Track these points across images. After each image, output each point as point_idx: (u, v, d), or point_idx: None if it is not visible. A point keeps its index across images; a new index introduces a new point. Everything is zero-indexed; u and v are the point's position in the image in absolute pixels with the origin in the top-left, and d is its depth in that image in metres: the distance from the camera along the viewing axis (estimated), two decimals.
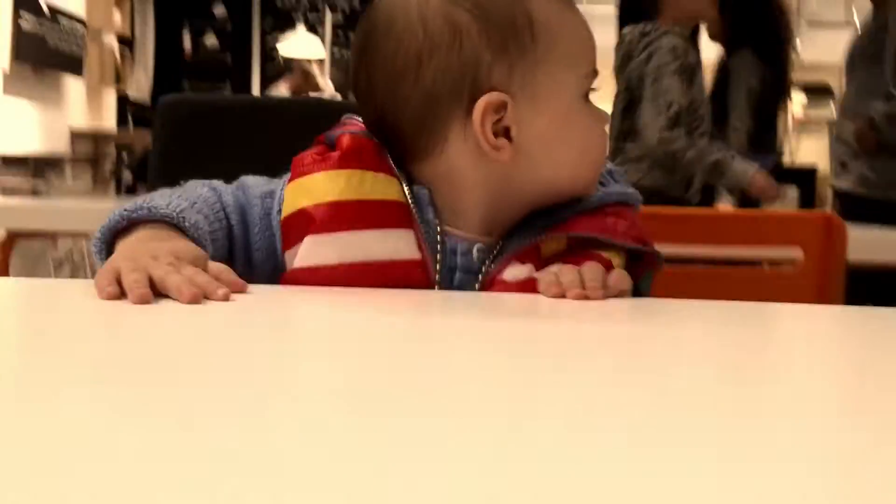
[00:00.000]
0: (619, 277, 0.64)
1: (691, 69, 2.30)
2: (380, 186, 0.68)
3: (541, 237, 0.69)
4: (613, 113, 2.39)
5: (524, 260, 0.69)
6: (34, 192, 4.05)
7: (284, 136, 1.04)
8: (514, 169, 0.68)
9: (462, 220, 0.70)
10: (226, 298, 0.54)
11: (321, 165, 0.68)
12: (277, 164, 1.00)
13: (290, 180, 0.69)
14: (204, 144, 1.03)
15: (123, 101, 5.38)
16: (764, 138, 3.29)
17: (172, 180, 1.02)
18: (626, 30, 2.41)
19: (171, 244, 0.60)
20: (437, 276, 0.69)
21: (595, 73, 0.71)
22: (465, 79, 0.66)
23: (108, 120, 5.29)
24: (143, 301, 0.52)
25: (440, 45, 0.66)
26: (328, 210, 0.66)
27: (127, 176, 5.06)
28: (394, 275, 0.66)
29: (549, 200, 0.71)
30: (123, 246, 0.61)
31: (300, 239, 0.67)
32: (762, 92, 3.20)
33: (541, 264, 0.68)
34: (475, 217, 0.71)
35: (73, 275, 4.05)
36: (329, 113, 1.03)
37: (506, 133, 0.67)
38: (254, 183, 0.72)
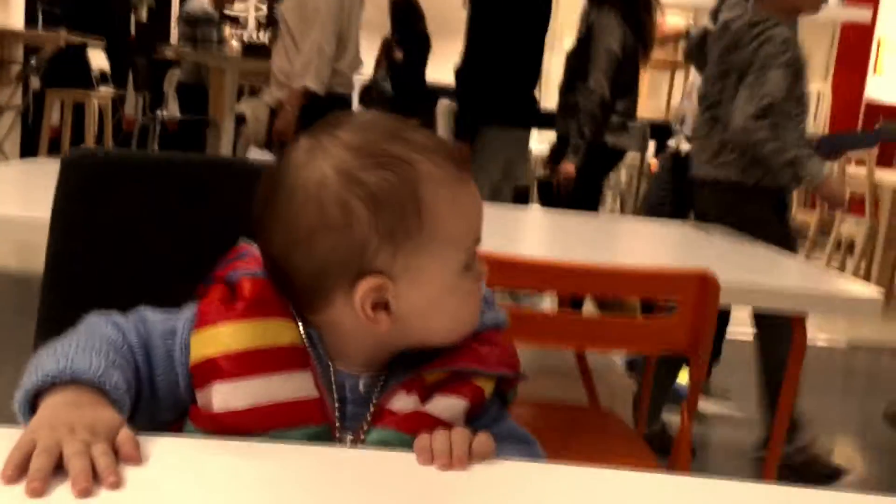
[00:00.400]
0: (484, 442, 0.71)
1: (799, 63, 2.24)
2: (280, 332, 0.75)
3: (424, 371, 0.77)
4: (705, 95, 2.37)
5: (409, 389, 0.76)
6: None
7: (194, 194, 1.05)
8: (392, 333, 0.76)
9: (346, 360, 0.78)
10: (113, 488, 0.59)
11: (226, 315, 0.74)
12: (185, 222, 1.02)
13: (195, 327, 0.74)
14: (110, 202, 1.03)
15: None
16: (619, 104, 3.36)
17: (74, 240, 1.02)
18: (728, 17, 2.33)
19: (91, 415, 0.64)
20: (335, 412, 0.76)
21: (477, 241, 0.77)
22: (353, 259, 0.73)
23: (15, 17, 5.03)
24: (35, 495, 0.57)
25: (333, 226, 0.72)
26: (235, 359, 0.73)
27: (35, 82, 4.85)
28: (297, 414, 0.74)
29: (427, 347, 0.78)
30: (47, 410, 0.65)
31: (208, 382, 0.73)
32: (622, 55, 3.27)
33: (425, 393, 0.76)
34: (358, 359, 0.78)
35: None
36: (237, 174, 1.05)
37: (386, 306, 0.74)
38: (153, 318, 0.77)
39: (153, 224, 1.03)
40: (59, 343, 0.72)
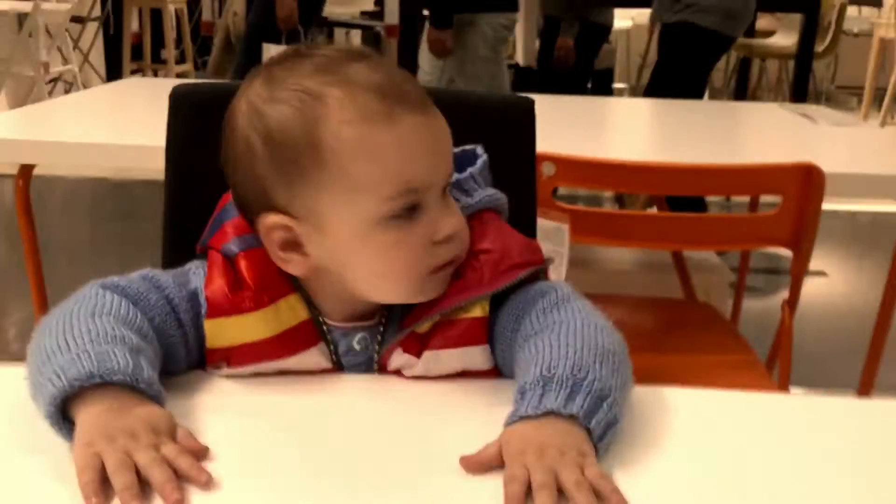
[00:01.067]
0: (599, 478, 0.58)
1: None
2: (289, 313, 0.73)
3: (415, 325, 0.72)
4: None
5: (405, 347, 0.73)
6: None
7: None
8: (323, 279, 0.73)
9: (329, 312, 0.75)
10: (208, 485, 0.56)
11: (237, 309, 0.72)
12: None
13: (207, 315, 0.72)
14: (217, 134, 1.06)
15: None
16: None
17: (188, 169, 1.06)
18: None
19: (144, 415, 0.61)
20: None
21: (413, 190, 0.69)
22: (257, 194, 0.72)
23: None
24: (95, 499, 0.54)
25: (241, 159, 0.73)
26: (250, 348, 0.72)
27: None
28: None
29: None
30: (92, 420, 0.60)
31: (223, 360, 0.73)
32: None
33: (421, 347, 0.73)
34: (336, 310, 0.75)
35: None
36: None
37: (300, 248, 0.72)
38: (166, 281, 0.74)
39: None
40: (66, 330, 0.65)
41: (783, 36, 5.69)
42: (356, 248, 0.70)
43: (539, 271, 0.77)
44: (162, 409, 0.63)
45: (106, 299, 0.70)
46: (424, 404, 0.71)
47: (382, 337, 0.75)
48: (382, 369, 0.75)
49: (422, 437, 0.66)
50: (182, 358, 0.73)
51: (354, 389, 0.73)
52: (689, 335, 1.66)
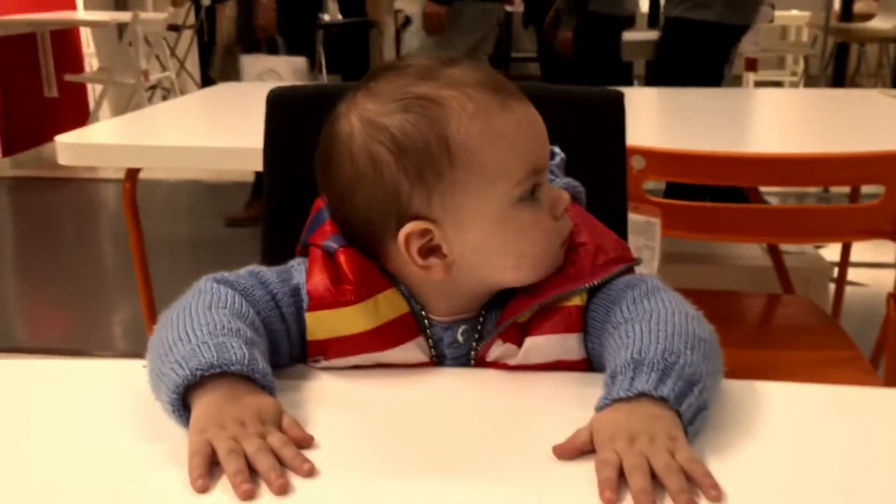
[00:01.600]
0: (689, 460, 0.59)
1: None
2: (388, 306, 0.75)
3: (517, 316, 0.74)
4: None
5: (505, 338, 0.75)
6: None
7: None
8: (456, 278, 0.74)
9: (436, 310, 0.77)
10: (310, 474, 0.59)
11: (338, 302, 0.74)
12: None
13: (308, 308, 0.75)
14: (312, 134, 1.09)
15: None
16: None
17: (285, 169, 1.10)
18: None
19: (254, 405, 0.64)
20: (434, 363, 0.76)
21: (536, 170, 0.72)
22: (391, 206, 0.72)
23: None
24: (248, 498, 0.56)
25: (365, 175, 0.72)
26: (351, 340, 0.74)
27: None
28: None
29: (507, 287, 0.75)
30: (207, 408, 0.63)
31: (324, 353, 0.75)
32: None
33: (520, 336, 0.74)
34: (445, 308, 0.77)
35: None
36: None
37: (438, 251, 0.73)
38: (270, 277, 0.77)
39: None
40: (185, 323, 0.69)
41: (883, 20, 5.46)
42: (498, 235, 0.72)
43: (631, 267, 0.78)
44: (272, 398, 0.66)
45: (221, 293, 0.73)
46: (518, 395, 0.72)
47: (482, 329, 0.77)
48: (479, 362, 0.77)
49: (516, 426, 0.67)
50: (285, 352, 0.76)
51: (451, 381, 0.75)
52: (787, 330, 1.62)
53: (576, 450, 0.61)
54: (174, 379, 0.64)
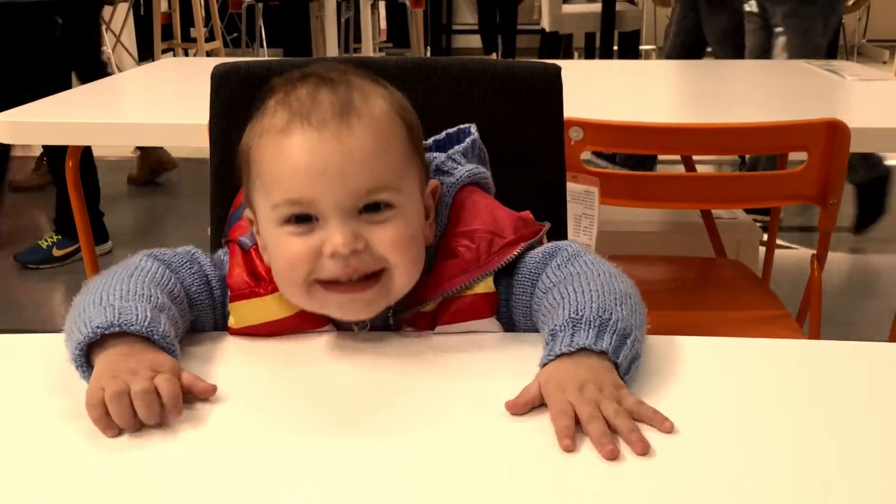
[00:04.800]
0: (636, 405, 0.64)
1: None
2: None
3: (420, 306, 0.78)
4: None
5: (413, 325, 0.80)
6: None
7: None
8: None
9: None
10: (204, 394, 0.66)
11: (254, 293, 0.80)
12: None
13: (230, 300, 0.80)
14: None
15: None
16: None
17: (232, 146, 1.11)
18: None
19: (149, 358, 0.68)
20: None
21: (295, 202, 0.73)
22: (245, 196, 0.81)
23: None
24: (112, 433, 0.63)
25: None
26: (270, 326, 0.80)
27: None
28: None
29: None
30: (104, 362, 0.68)
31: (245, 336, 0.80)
32: None
33: (428, 323, 0.79)
34: None
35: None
36: (376, 71, 1.10)
37: None
38: (204, 260, 0.83)
39: None
40: (102, 288, 0.73)
41: None
42: (271, 245, 0.77)
43: (539, 239, 0.82)
44: (170, 357, 0.69)
45: (146, 265, 0.78)
46: (451, 356, 0.76)
47: (394, 314, 0.80)
48: None
49: (459, 383, 0.71)
50: (210, 327, 0.82)
51: (378, 345, 0.78)
52: (719, 292, 1.69)
53: (528, 404, 0.65)
54: (77, 337, 0.69)
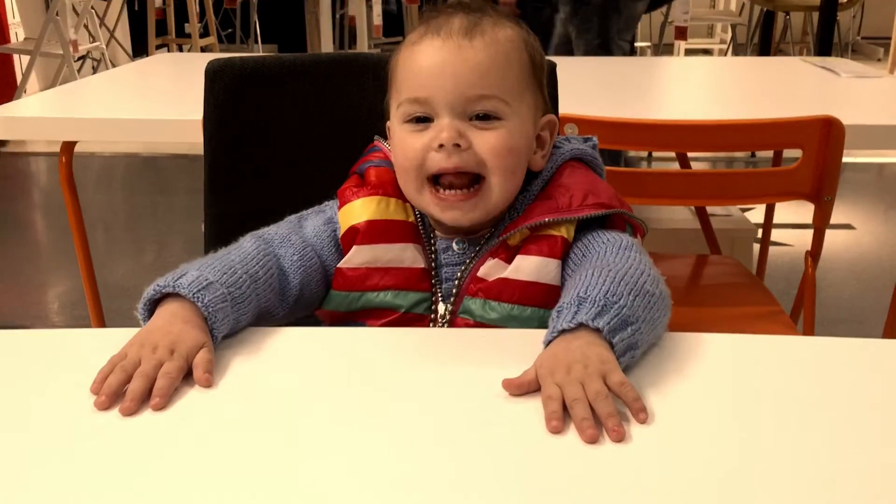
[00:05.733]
0: (621, 384, 0.65)
1: None
2: (397, 209, 0.89)
3: (506, 235, 0.85)
4: None
5: (495, 255, 0.85)
6: None
7: (329, 91, 1.11)
8: (399, 177, 0.89)
9: (436, 225, 0.90)
10: (154, 408, 0.65)
11: (357, 194, 0.89)
12: (323, 116, 1.11)
13: (339, 208, 0.90)
14: (251, 105, 1.11)
15: None
16: None
17: (226, 140, 1.11)
18: None
19: (177, 333, 0.71)
20: (432, 273, 0.88)
21: (418, 101, 0.84)
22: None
23: None
24: (100, 408, 0.65)
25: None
26: (366, 226, 0.87)
27: None
28: (407, 279, 0.86)
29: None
30: (148, 324, 0.74)
31: (350, 246, 0.87)
32: None
33: (509, 256, 0.85)
34: (442, 224, 0.88)
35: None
36: (369, 68, 1.10)
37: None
38: (311, 221, 0.92)
39: (294, 121, 1.11)
40: (208, 257, 0.81)
41: None
42: (395, 144, 0.87)
43: (626, 223, 0.86)
44: (199, 334, 0.72)
45: (241, 243, 0.85)
46: (468, 346, 0.77)
47: (480, 247, 0.87)
48: (472, 278, 0.86)
49: (465, 371, 0.71)
50: (320, 281, 0.88)
51: (394, 337, 0.79)
52: (713, 289, 1.69)
53: (523, 386, 0.66)
54: (145, 293, 0.75)
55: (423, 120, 0.84)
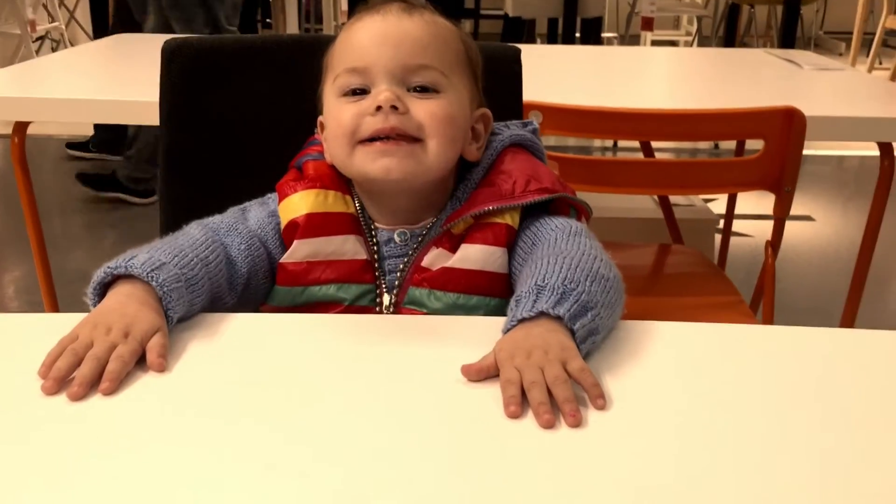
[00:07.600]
0: (581, 371, 0.65)
1: None
2: (336, 201, 0.87)
3: (450, 224, 0.84)
4: None
5: (438, 244, 0.84)
6: None
7: (286, 73, 1.10)
8: (333, 158, 0.88)
9: (377, 217, 0.89)
10: (103, 393, 0.63)
11: (295, 188, 0.87)
12: (284, 98, 1.09)
13: (279, 202, 0.88)
14: (209, 86, 1.08)
15: None
16: None
17: (183, 121, 1.09)
18: None
19: (132, 315, 0.69)
20: (375, 265, 0.86)
21: (349, 71, 0.83)
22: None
23: None
24: (47, 393, 0.63)
25: None
26: (306, 220, 0.85)
27: None
28: (350, 271, 0.85)
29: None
30: (100, 306, 0.72)
31: (291, 241, 0.86)
32: None
33: (453, 245, 0.84)
34: (382, 216, 0.88)
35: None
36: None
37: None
38: (254, 211, 0.90)
39: (254, 104, 1.08)
40: (155, 241, 0.80)
41: None
42: (331, 121, 0.85)
43: (570, 206, 0.86)
44: (155, 317, 0.71)
45: (186, 230, 0.84)
46: (425, 332, 0.76)
47: (423, 238, 0.86)
48: (416, 268, 0.85)
49: (423, 357, 0.70)
50: (266, 271, 0.86)
51: (355, 324, 0.78)
52: (675, 278, 1.70)
53: (481, 371, 0.66)
54: (95, 278, 0.74)
55: (361, 92, 0.83)
